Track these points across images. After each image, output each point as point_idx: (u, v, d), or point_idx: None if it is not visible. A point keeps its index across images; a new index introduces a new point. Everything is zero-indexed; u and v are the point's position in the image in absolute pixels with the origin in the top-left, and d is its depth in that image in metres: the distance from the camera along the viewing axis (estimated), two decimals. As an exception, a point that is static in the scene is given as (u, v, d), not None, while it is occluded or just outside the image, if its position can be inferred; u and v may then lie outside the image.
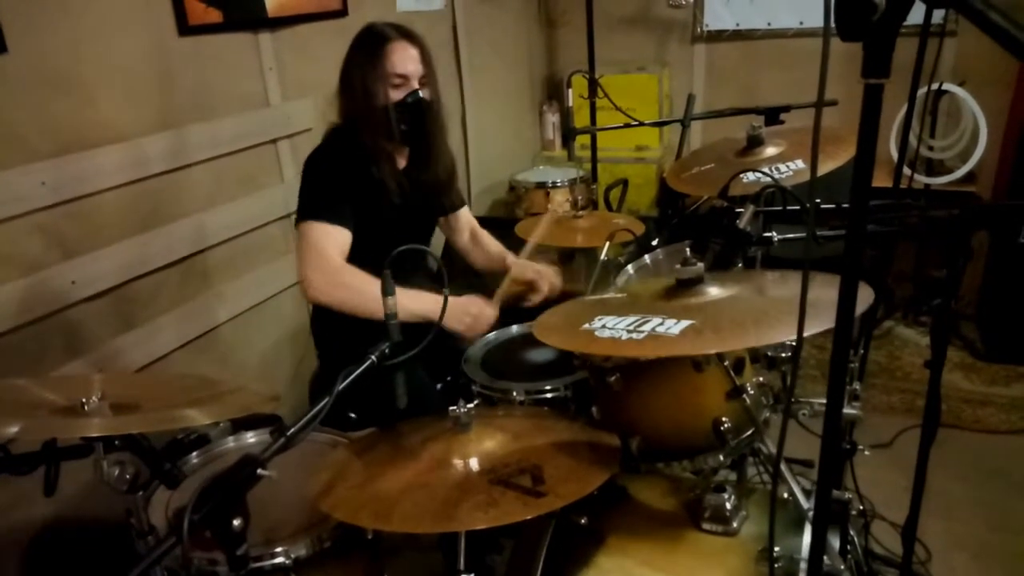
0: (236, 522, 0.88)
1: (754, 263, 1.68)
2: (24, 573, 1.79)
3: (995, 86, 3.19)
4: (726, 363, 1.32)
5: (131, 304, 2.06)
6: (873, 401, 2.92)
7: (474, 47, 3.59)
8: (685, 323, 1.14)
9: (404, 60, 1.76)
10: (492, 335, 1.95)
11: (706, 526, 1.31)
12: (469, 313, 1.76)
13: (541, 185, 3.49)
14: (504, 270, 2.04)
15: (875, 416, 2.78)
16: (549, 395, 1.65)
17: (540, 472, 1.15)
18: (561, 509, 1.11)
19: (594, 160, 3.24)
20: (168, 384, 1.53)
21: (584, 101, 2.94)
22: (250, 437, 1.60)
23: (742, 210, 1.45)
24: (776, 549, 1.17)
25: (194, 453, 1.54)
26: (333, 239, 1.67)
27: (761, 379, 1.41)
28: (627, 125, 2.54)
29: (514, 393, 1.65)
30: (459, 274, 2.20)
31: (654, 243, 2.06)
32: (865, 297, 1.12)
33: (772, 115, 2.15)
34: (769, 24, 3.75)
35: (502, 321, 1.96)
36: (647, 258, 2.03)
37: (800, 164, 1.71)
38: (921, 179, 3.20)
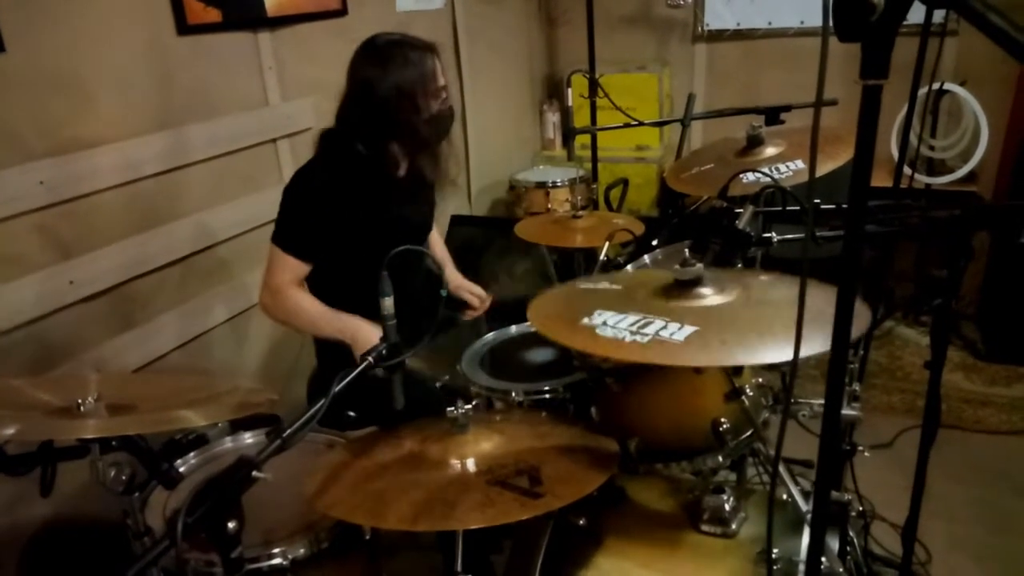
0: (231, 524, 0.88)
1: (753, 263, 1.68)
2: (21, 573, 1.79)
3: (996, 86, 3.18)
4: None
5: (129, 304, 2.06)
6: (873, 401, 2.92)
7: (474, 46, 3.59)
8: (689, 329, 1.12)
9: (440, 72, 1.80)
10: (490, 335, 1.95)
11: (705, 527, 1.30)
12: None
13: (541, 185, 3.49)
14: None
15: (875, 416, 2.77)
16: (548, 396, 1.64)
17: (538, 473, 1.15)
18: (560, 510, 1.11)
19: (594, 160, 3.24)
20: (165, 385, 1.53)
21: (584, 100, 2.93)
22: (248, 438, 1.60)
23: (742, 210, 1.45)
24: (775, 551, 1.16)
25: (192, 453, 1.54)
26: (289, 269, 1.75)
27: (760, 380, 1.41)
28: (627, 125, 2.53)
29: (513, 394, 1.65)
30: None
31: (654, 243, 2.05)
32: (862, 314, 1.11)
33: (772, 115, 2.15)
34: (770, 23, 3.74)
35: (501, 321, 1.97)
36: (647, 258, 2.02)
37: (800, 164, 1.71)
38: (922, 179, 3.20)
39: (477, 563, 1.51)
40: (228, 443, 1.59)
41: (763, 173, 1.62)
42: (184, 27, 2.12)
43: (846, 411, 1.38)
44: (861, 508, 1.86)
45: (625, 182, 3.30)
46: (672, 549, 1.29)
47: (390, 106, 1.72)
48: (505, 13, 3.89)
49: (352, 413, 1.77)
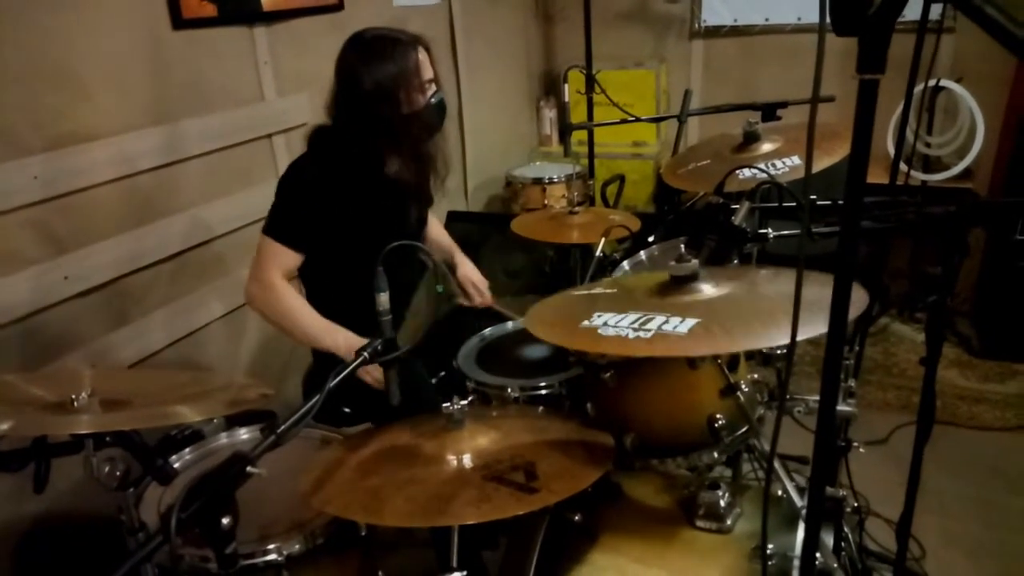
0: (225, 520, 0.88)
1: (750, 259, 1.68)
2: (15, 570, 1.79)
3: (992, 82, 3.19)
4: (720, 360, 1.31)
5: (124, 300, 2.05)
6: (868, 398, 2.92)
7: (471, 42, 3.58)
8: (691, 322, 1.12)
9: (427, 65, 1.77)
10: (488, 331, 1.95)
11: (700, 523, 1.30)
12: (368, 372, 1.73)
13: (538, 181, 3.48)
14: (450, 263, 2.14)
15: (870, 413, 2.78)
16: (544, 392, 1.64)
17: (533, 468, 1.15)
18: (555, 506, 1.11)
19: (591, 156, 3.23)
20: (160, 380, 1.53)
21: (581, 96, 2.93)
22: (243, 433, 1.60)
23: (738, 206, 1.45)
24: (770, 546, 1.16)
25: (187, 449, 1.54)
26: (280, 259, 1.72)
27: (756, 376, 1.41)
28: (624, 121, 2.53)
29: (509, 390, 1.65)
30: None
31: (650, 239, 2.05)
32: (860, 299, 1.11)
33: (769, 111, 2.14)
34: (767, 19, 3.74)
35: (496, 319, 1.97)
36: (643, 254, 2.02)
37: (796, 160, 1.71)
38: (918, 175, 3.20)
39: (472, 559, 1.51)
40: (223, 439, 1.58)
41: (759, 169, 1.62)
42: (180, 21, 2.11)
43: (841, 407, 1.39)
44: (856, 504, 1.86)
45: (622, 178, 3.31)
46: (667, 545, 1.29)
47: (371, 101, 1.71)
48: (502, 9, 3.88)
49: (347, 409, 1.77)
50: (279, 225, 1.73)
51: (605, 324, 1.17)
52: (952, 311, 3.33)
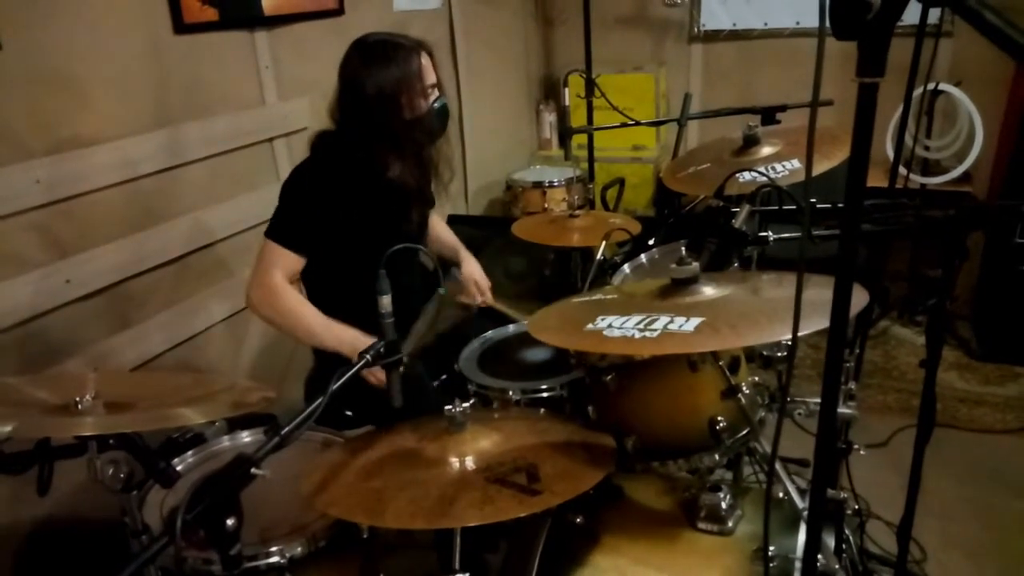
0: (229, 521, 0.88)
1: (750, 263, 1.69)
2: (18, 573, 1.79)
3: (991, 86, 3.20)
4: (721, 363, 1.32)
5: (126, 303, 2.05)
6: (869, 401, 2.92)
7: (471, 46, 3.59)
8: (697, 320, 1.13)
9: (429, 70, 1.78)
10: (490, 333, 1.95)
11: (702, 525, 1.31)
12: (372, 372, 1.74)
13: (538, 184, 3.49)
14: (455, 260, 2.15)
15: (871, 416, 2.78)
16: (545, 394, 1.65)
17: (536, 470, 1.15)
18: (557, 508, 1.11)
19: (591, 159, 3.24)
20: (162, 383, 1.53)
21: (581, 100, 2.94)
22: (245, 436, 1.60)
23: (738, 209, 1.46)
24: (771, 548, 1.17)
25: (189, 452, 1.54)
26: (283, 262, 1.72)
27: (756, 378, 1.41)
28: (624, 124, 2.54)
29: (510, 392, 1.65)
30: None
31: (650, 242, 2.06)
32: (860, 298, 1.12)
33: (768, 115, 2.16)
34: (766, 24, 3.75)
35: (498, 321, 1.97)
36: (643, 257, 2.03)
37: (796, 164, 1.72)
38: (917, 179, 3.21)
39: (474, 562, 1.51)
40: (225, 442, 1.59)
41: (759, 172, 1.63)
42: (181, 26, 2.11)
43: (842, 409, 1.39)
44: (857, 507, 1.87)
45: (622, 182, 3.31)
46: (669, 547, 1.29)
47: (373, 106, 1.71)
48: (502, 13, 3.89)
49: (349, 412, 1.78)
50: (282, 228, 1.74)
51: (610, 326, 1.18)
52: (952, 314, 3.34)
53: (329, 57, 1.84)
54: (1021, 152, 2.97)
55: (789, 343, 0.99)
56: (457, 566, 1.19)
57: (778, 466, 1.31)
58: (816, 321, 0.97)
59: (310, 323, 1.72)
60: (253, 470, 0.91)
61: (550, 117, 4.18)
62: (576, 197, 2.88)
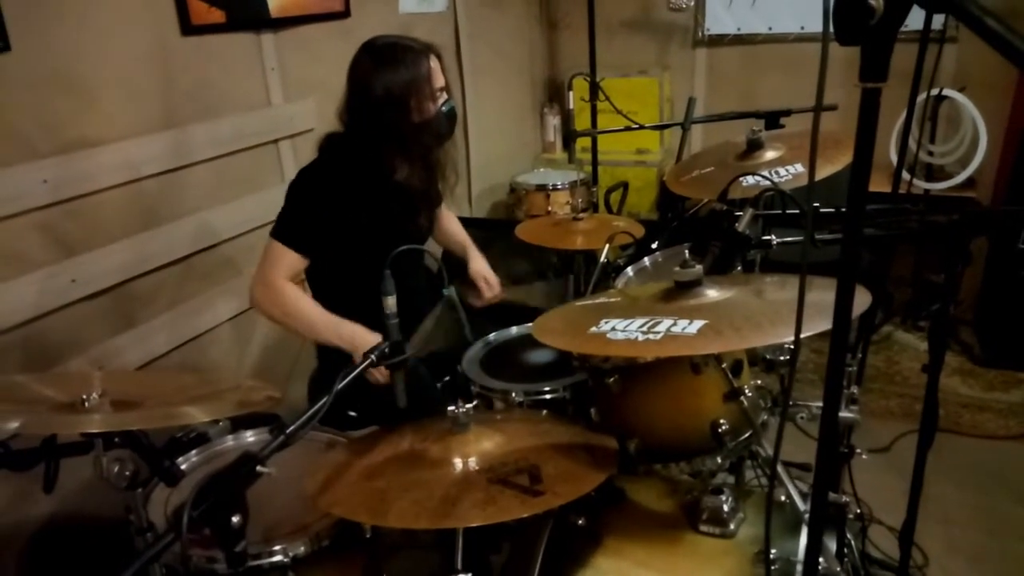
0: (235, 519, 0.89)
1: (753, 266, 1.69)
2: (24, 569, 1.79)
3: (995, 92, 3.20)
4: (724, 365, 1.32)
5: (131, 303, 2.06)
6: (871, 405, 2.92)
7: (476, 49, 3.60)
8: (700, 322, 1.14)
9: (438, 73, 1.79)
10: (492, 335, 1.96)
11: (703, 528, 1.31)
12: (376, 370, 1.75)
13: (541, 187, 3.50)
14: (462, 256, 2.15)
15: (873, 420, 2.78)
16: (548, 396, 1.65)
17: (538, 472, 1.15)
18: (559, 510, 1.12)
19: (595, 163, 3.25)
20: (168, 382, 1.54)
21: (585, 104, 2.94)
22: (249, 436, 1.61)
23: (741, 213, 1.46)
24: (773, 552, 1.17)
25: (193, 451, 1.55)
26: (286, 262, 1.74)
27: (759, 382, 1.41)
28: (628, 128, 2.55)
29: (513, 394, 1.65)
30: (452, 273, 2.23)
31: (654, 246, 2.06)
32: (863, 299, 1.12)
33: (772, 119, 2.16)
34: (770, 28, 3.75)
35: (499, 323, 1.97)
36: (647, 260, 2.03)
37: (799, 168, 1.72)
38: (920, 184, 3.21)
39: (476, 563, 1.52)
40: (229, 441, 1.59)
41: (763, 176, 1.63)
42: (188, 27, 2.13)
43: (844, 413, 1.39)
44: (859, 511, 1.87)
45: (625, 185, 3.31)
46: (671, 549, 1.29)
47: (382, 108, 1.72)
48: (507, 16, 3.91)
49: (353, 413, 1.78)
50: (287, 229, 1.75)
51: (613, 329, 1.19)
52: (954, 319, 3.33)
53: (335, 59, 1.85)
54: (1025, 158, 2.97)
55: (792, 347, 0.99)
56: (460, 566, 1.19)
57: (780, 469, 1.31)
58: (818, 323, 0.97)
59: (312, 319, 1.73)
60: (259, 468, 0.92)
61: (554, 120, 4.19)
62: (580, 200, 2.89)
